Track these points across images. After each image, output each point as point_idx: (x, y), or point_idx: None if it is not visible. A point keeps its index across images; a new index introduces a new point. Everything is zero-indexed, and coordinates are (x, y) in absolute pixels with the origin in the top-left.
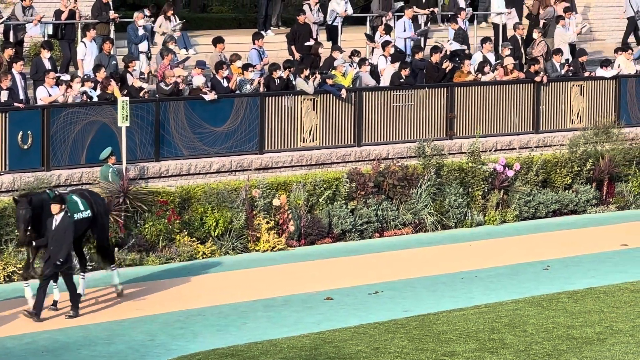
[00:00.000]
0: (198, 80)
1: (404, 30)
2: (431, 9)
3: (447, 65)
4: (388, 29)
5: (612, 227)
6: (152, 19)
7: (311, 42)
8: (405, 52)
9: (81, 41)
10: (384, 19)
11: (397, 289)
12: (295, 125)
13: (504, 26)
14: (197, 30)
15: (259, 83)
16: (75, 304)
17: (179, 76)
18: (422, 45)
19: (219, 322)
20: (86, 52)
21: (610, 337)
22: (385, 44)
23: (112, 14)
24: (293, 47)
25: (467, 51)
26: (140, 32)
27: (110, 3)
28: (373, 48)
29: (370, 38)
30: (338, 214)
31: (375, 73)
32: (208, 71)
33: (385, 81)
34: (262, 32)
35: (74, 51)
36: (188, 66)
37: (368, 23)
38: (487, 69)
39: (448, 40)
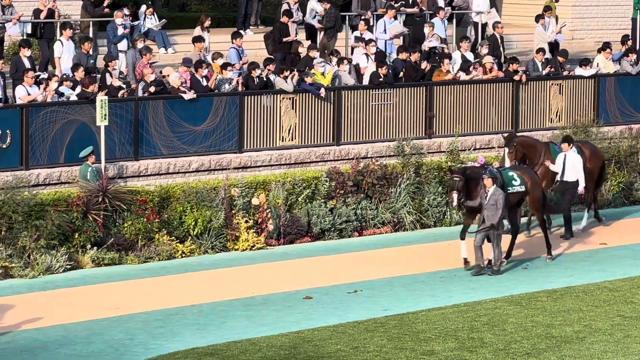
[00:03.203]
0: (174, 76)
1: (384, 31)
2: (421, 7)
3: (426, 66)
4: (369, 26)
5: (591, 226)
6: (131, 17)
7: (291, 38)
8: (385, 52)
9: (58, 39)
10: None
11: (376, 288)
12: (275, 124)
13: (484, 25)
14: (176, 29)
15: (237, 82)
16: None
17: (163, 75)
18: (403, 43)
19: (198, 321)
20: (63, 50)
21: (589, 335)
22: (368, 42)
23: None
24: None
25: (444, 49)
26: (120, 31)
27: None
28: (353, 47)
29: (360, 39)
30: (317, 213)
31: (357, 72)
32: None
33: (366, 80)
34: (241, 32)
35: (52, 50)
36: (166, 65)
37: (347, 22)
38: (471, 68)
39: (427, 39)
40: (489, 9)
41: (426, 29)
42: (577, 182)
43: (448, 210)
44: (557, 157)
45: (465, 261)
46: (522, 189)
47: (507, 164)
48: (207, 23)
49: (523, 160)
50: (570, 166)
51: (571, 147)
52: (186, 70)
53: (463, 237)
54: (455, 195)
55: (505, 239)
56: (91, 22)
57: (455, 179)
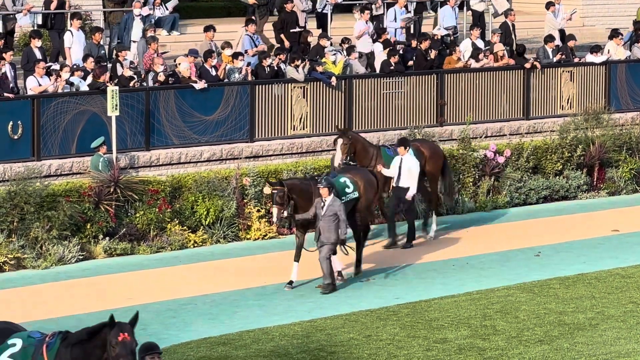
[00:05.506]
0: (184, 66)
1: (395, 20)
2: None
3: (435, 53)
4: (374, 18)
5: (603, 213)
6: (147, 7)
7: (297, 29)
8: (396, 40)
9: (68, 30)
10: (373, 6)
11: (389, 276)
12: (286, 113)
13: (483, 13)
14: (187, 19)
15: (247, 72)
16: None
17: (176, 65)
18: (412, 31)
19: (210, 311)
20: (73, 40)
21: (602, 322)
22: (381, 31)
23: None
24: (282, 35)
25: (452, 37)
26: (136, 21)
27: None
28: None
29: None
30: None
31: (371, 60)
32: (198, 60)
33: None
34: (254, 18)
35: (62, 40)
36: (178, 55)
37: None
38: (481, 55)
39: (437, 27)
40: None
41: (440, 16)
42: (408, 188)
43: (460, 197)
44: (392, 161)
45: (340, 273)
46: (356, 195)
47: (338, 158)
48: (252, 29)
49: (353, 161)
50: (406, 171)
51: (407, 151)
52: (192, 61)
53: (297, 259)
54: (275, 211)
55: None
56: (102, 12)
57: (273, 191)
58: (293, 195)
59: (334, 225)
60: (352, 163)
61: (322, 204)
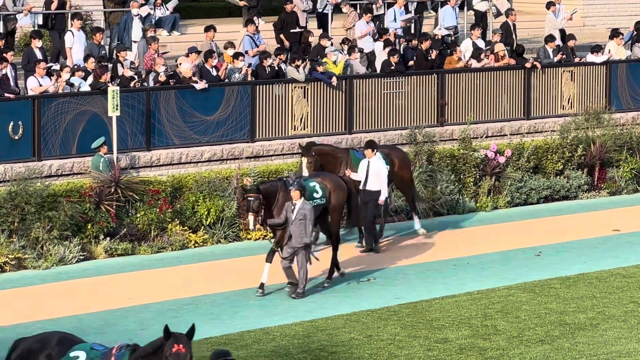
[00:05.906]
0: (185, 67)
1: (394, 20)
2: None
3: (435, 53)
4: (375, 18)
5: (604, 213)
6: (146, 7)
7: (297, 30)
8: (395, 41)
9: (68, 30)
10: (374, 6)
11: (389, 276)
12: (286, 113)
13: (485, 13)
14: (187, 19)
15: (246, 72)
16: None
17: (177, 65)
18: (413, 31)
19: (211, 311)
20: (74, 41)
21: (603, 322)
22: (383, 32)
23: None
24: (282, 36)
25: (452, 37)
26: (135, 21)
27: None
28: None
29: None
30: None
31: (372, 58)
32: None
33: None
34: (255, 19)
35: (62, 40)
36: (179, 55)
37: (359, 10)
38: (482, 55)
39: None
40: None
41: (440, 16)
42: (379, 192)
43: (461, 197)
44: (360, 164)
45: (262, 285)
46: (323, 201)
47: (305, 174)
48: (252, 29)
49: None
50: (374, 174)
51: (375, 153)
52: (195, 58)
53: (270, 260)
54: (252, 218)
55: (327, 254)
56: (103, 12)
57: (249, 199)
58: (264, 201)
59: (304, 229)
60: None
61: (293, 207)
